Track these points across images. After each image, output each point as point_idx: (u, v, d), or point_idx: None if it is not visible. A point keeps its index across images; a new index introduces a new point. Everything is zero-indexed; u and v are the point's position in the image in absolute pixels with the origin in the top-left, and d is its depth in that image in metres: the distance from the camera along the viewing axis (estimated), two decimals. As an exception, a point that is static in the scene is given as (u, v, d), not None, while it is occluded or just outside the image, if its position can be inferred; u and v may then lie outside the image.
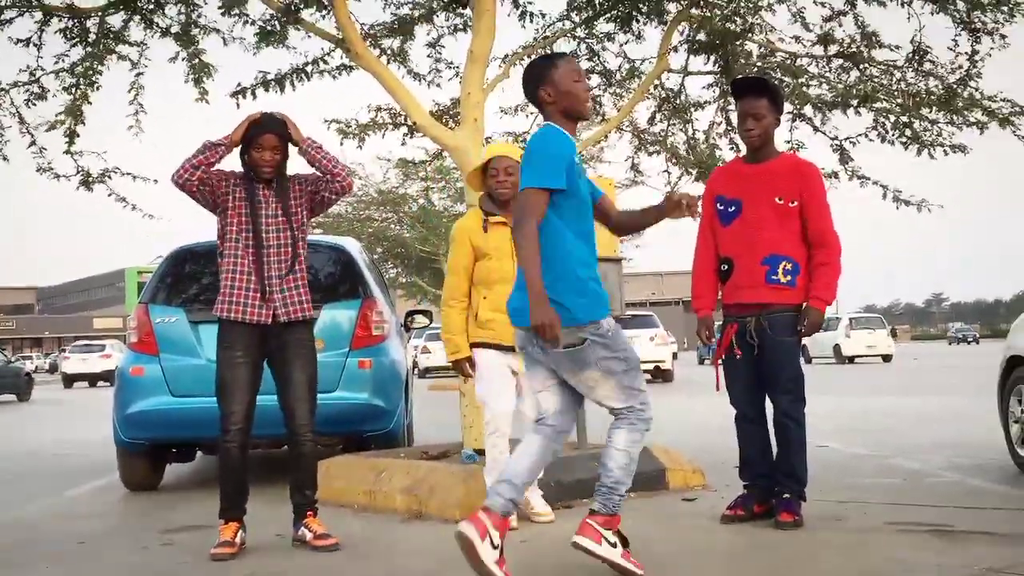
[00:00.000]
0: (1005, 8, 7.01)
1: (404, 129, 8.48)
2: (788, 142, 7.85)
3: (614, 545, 4.00)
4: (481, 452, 6.69)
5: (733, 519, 5.14)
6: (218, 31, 7.53)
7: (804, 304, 5.05)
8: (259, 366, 5.03)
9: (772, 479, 5.14)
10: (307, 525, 4.98)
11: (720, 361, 5.27)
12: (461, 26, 8.17)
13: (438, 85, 8.31)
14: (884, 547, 4.55)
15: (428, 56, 8.37)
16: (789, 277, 5.01)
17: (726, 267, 5.17)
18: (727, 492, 5.78)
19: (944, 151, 7.63)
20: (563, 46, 8.61)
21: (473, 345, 5.30)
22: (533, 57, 8.28)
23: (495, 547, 3.78)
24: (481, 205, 5.39)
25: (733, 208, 5.14)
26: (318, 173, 5.07)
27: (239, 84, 7.58)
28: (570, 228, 3.94)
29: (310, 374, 5.05)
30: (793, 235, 5.03)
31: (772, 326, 5.02)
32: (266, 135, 4.95)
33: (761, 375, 5.12)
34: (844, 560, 4.35)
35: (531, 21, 8.01)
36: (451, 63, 8.30)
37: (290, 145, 5.05)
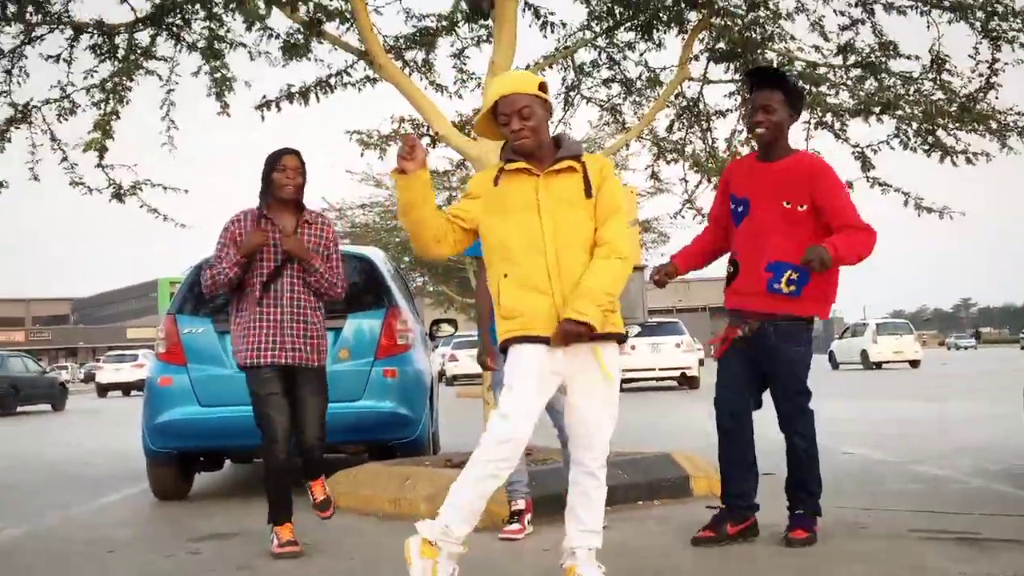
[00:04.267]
0: (1021, 19, 7.00)
1: (427, 139, 8.55)
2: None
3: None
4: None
5: (703, 541, 4.85)
6: (244, 45, 7.63)
7: (812, 316, 4.78)
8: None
9: (750, 498, 4.91)
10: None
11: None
12: (485, 37, 8.23)
13: (460, 96, 8.38)
14: (909, 555, 4.51)
15: (453, 67, 8.44)
16: (793, 287, 4.66)
17: (732, 269, 4.87)
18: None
19: (967, 158, 7.60)
20: (584, 56, 8.66)
21: (502, 345, 3.86)
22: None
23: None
24: (501, 157, 4.05)
25: (742, 208, 4.84)
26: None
27: (264, 97, 7.68)
28: None
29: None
30: (802, 242, 4.60)
31: (777, 333, 4.73)
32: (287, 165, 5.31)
33: (759, 380, 4.85)
34: (867, 568, 4.30)
35: (552, 31, 8.07)
36: (473, 74, 8.37)
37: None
